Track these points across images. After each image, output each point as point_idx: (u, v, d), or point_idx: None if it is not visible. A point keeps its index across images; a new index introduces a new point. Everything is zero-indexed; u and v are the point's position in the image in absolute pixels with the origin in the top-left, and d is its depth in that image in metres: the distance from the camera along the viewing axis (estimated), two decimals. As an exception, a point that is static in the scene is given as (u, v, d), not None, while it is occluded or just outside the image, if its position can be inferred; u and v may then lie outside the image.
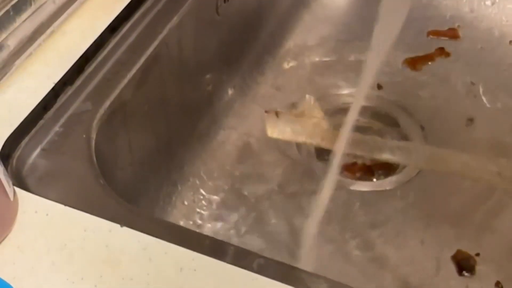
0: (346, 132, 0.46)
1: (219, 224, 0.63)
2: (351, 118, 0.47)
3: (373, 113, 0.72)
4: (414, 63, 0.79)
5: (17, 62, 0.48)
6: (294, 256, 0.59)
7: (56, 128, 0.46)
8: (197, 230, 0.61)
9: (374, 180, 0.69)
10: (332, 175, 0.48)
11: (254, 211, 0.64)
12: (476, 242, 0.60)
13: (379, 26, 0.45)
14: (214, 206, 0.65)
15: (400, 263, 0.60)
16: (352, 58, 0.79)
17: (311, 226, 0.50)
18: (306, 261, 0.55)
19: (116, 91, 0.50)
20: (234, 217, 0.64)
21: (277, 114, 0.50)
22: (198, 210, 0.64)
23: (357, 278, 0.59)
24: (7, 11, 0.46)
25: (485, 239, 0.61)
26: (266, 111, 0.51)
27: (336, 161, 0.48)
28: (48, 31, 0.51)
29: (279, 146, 0.70)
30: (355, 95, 0.51)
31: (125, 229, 0.39)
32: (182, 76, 0.61)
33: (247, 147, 0.70)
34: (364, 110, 0.69)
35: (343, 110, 0.74)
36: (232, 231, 0.62)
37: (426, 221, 0.63)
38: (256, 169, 0.68)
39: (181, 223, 0.63)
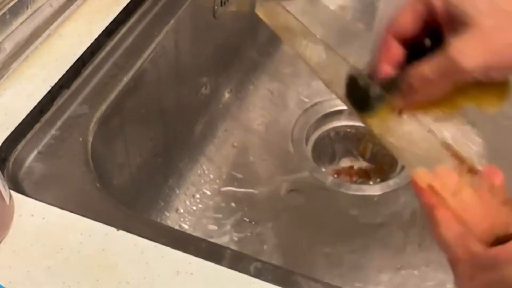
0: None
1: (216, 228, 0.63)
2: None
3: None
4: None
5: (14, 65, 0.48)
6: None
7: (53, 131, 0.46)
8: (194, 234, 0.61)
9: (371, 183, 0.69)
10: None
11: (252, 213, 0.64)
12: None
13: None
14: (211, 209, 0.64)
15: (398, 266, 0.60)
16: (350, 61, 0.79)
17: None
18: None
19: (113, 95, 0.49)
20: (231, 220, 0.63)
21: None
22: (195, 213, 0.64)
23: (353, 281, 0.59)
24: (4, 14, 0.46)
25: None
26: None
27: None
28: (45, 34, 0.51)
29: (277, 147, 0.70)
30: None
31: (122, 232, 0.39)
32: (179, 79, 0.61)
33: (244, 150, 0.70)
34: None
35: (341, 112, 0.74)
36: (229, 235, 0.62)
37: (422, 224, 0.63)
38: (254, 172, 0.68)
39: (178, 227, 0.63)
